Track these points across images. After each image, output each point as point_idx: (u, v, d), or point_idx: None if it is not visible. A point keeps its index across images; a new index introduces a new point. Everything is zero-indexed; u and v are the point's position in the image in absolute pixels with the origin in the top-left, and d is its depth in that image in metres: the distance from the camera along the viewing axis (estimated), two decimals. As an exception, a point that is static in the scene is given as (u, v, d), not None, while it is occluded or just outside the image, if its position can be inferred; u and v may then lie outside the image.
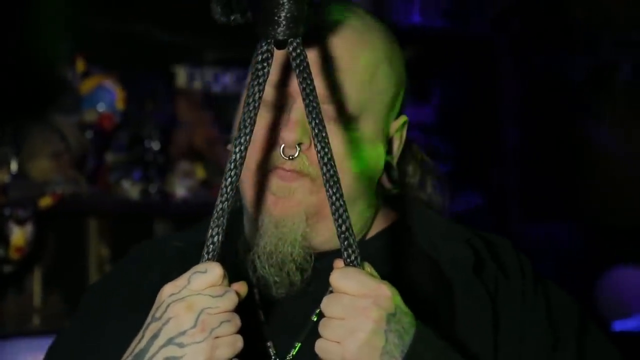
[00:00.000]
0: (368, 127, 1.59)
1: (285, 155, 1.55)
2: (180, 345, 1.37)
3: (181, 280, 1.40)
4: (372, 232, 1.67)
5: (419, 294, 1.55)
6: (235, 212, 1.64)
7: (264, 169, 1.57)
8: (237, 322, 1.40)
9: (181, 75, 3.99)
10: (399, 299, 1.41)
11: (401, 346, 1.40)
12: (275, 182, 1.56)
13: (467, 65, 4.83)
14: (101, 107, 3.54)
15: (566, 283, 1.73)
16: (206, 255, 1.41)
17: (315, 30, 1.56)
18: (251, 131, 1.41)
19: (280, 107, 1.57)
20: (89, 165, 3.47)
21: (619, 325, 4.29)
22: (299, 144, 1.54)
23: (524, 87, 4.98)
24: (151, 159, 3.67)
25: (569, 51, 5.00)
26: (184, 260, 1.54)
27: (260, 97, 1.42)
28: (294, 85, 1.50)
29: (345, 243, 1.41)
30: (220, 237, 1.41)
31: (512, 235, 4.66)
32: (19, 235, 3.17)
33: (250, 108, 1.41)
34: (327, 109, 1.55)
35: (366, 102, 1.58)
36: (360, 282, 1.39)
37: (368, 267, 1.43)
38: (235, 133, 1.44)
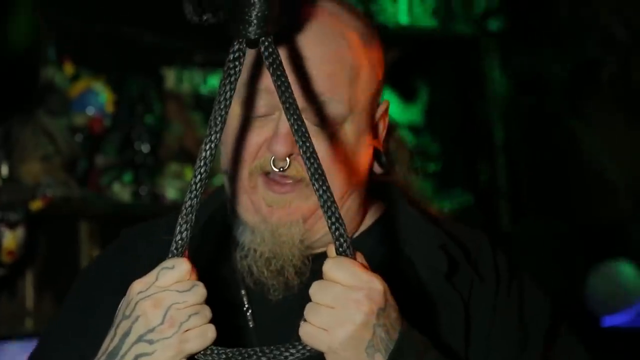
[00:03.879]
0: (354, 127, 1.61)
1: (276, 167, 1.57)
2: (150, 342, 1.40)
3: (149, 277, 1.42)
4: (364, 226, 1.69)
5: (400, 293, 1.55)
6: (222, 215, 1.67)
7: (255, 177, 1.59)
8: (206, 313, 1.41)
9: (170, 78, 4.00)
10: (389, 294, 1.43)
11: (387, 341, 1.42)
12: (269, 195, 1.59)
13: (454, 65, 4.85)
14: (90, 111, 3.53)
15: (555, 279, 1.75)
16: (174, 251, 1.43)
17: (292, 30, 1.58)
18: (221, 129, 1.42)
19: (270, 117, 1.58)
20: (79, 168, 3.47)
21: (608, 321, 4.31)
22: (289, 155, 1.57)
23: (511, 85, 5.00)
24: (141, 161, 3.68)
25: (553, 50, 5.02)
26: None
27: (231, 96, 1.43)
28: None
29: (337, 233, 1.42)
30: (188, 232, 1.42)
31: (501, 232, 4.70)
32: (10, 238, 3.16)
33: (221, 106, 1.42)
34: (310, 116, 1.57)
35: (349, 110, 1.60)
36: (354, 273, 1.41)
37: (360, 257, 1.44)
38: (206, 131, 1.44)
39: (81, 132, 3.50)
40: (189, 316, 1.40)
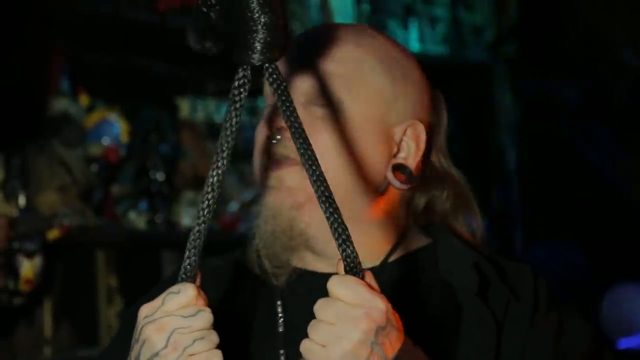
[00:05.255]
0: (357, 112, 1.63)
1: (270, 140, 1.62)
2: None
3: (156, 302, 1.43)
4: (395, 256, 1.69)
5: (428, 320, 1.58)
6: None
7: (263, 163, 1.64)
8: (212, 339, 1.42)
9: (184, 107, 4.03)
10: (392, 314, 1.43)
11: (385, 359, 1.41)
12: (269, 176, 1.63)
13: (466, 91, 4.87)
14: (106, 141, 3.57)
15: (570, 302, 1.75)
16: (183, 277, 1.43)
17: (305, 39, 1.64)
18: (228, 155, 1.43)
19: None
20: (95, 197, 3.49)
21: (624, 343, 4.30)
22: (281, 129, 1.61)
23: (522, 110, 5.02)
24: (157, 190, 3.70)
25: (565, 75, 5.04)
26: (218, 278, 1.61)
27: (237, 123, 1.44)
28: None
29: (344, 254, 1.43)
30: (196, 258, 1.42)
31: (515, 256, 4.70)
32: (28, 267, 3.19)
33: (228, 133, 1.43)
34: (313, 96, 1.62)
35: (348, 93, 1.63)
36: (356, 291, 1.41)
37: (369, 277, 1.44)
38: (213, 157, 1.46)
39: (97, 162, 3.53)
40: (194, 341, 1.41)
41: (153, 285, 1.74)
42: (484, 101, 4.98)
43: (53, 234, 3.26)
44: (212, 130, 4.02)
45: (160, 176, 3.72)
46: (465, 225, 1.76)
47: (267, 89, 1.67)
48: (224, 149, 1.43)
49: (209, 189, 1.43)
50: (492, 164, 4.94)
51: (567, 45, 5.03)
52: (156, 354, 1.41)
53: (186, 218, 3.76)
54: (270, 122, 1.64)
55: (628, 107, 4.98)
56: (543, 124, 5.04)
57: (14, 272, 3.16)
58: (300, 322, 1.49)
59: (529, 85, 5.06)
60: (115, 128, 3.60)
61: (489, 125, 4.98)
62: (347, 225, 1.43)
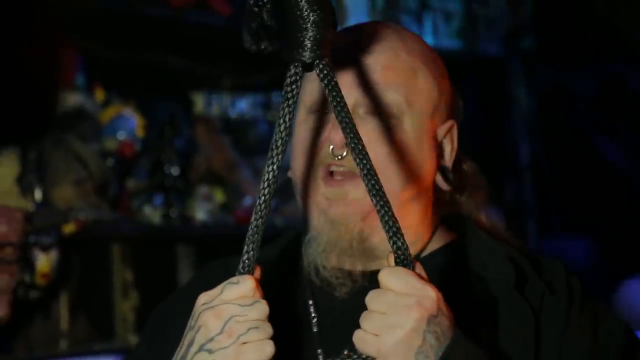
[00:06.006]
0: (414, 123, 1.64)
1: (334, 155, 1.61)
2: (210, 351, 1.43)
3: (215, 291, 1.46)
4: (428, 250, 1.71)
5: (465, 312, 1.58)
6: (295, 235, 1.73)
7: (316, 172, 1.64)
8: (266, 329, 1.44)
9: (199, 102, 4.05)
10: (442, 303, 1.45)
11: (437, 348, 1.43)
12: (328, 190, 1.63)
13: (480, 84, 4.87)
14: (121, 135, 3.59)
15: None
16: (241, 270, 1.47)
17: (352, 38, 1.65)
18: (283, 151, 1.45)
19: (325, 113, 1.64)
20: (111, 191, 3.51)
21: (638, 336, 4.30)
22: (346, 144, 1.58)
23: (536, 103, 5.02)
24: (171, 184, 3.72)
25: (579, 68, 5.03)
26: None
27: (290, 119, 1.46)
28: None
29: (395, 247, 1.46)
30: (255, 252, 1.46)
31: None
32: (44, 261, 3.21)
33: (282, 129, 1.46)
34: (371, 107, 1.62)
35: (406, 104, 1.64)
36: (407, 281, 1.43)
37: (419, 268, 1.47)
38: (268, 153, 1.47)
39: (112, 157, 3.55)
40: (248, 329, 1.43)
41: (168, 279, 1.76)
42: (499, 94, 4.98)
43: (69, 228, 3.28)
44: (227, 124, 4.03)
45: (175, 171, 3.74)
46: (486, 218, 1.78)
47: (311, 95, 1.66)
48: (279, 144, 1.45)
49: (265, 184, 1.46)
50: (507, 157, 4.94)
51: (581, 38, 5.02)
52: (211, 339, 1.43)
53: (200, 212, 3.77)
54: (322, 134, 1.64)
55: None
56: (557, 117, 5.04)
57: (30, 266, 3.18)
58: (334, 321, 1.54)
59: (544, 78, 5.05)
60: (131, 123, 3.62)
61: (503, 119, 4.98)
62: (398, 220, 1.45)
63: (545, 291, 1.65)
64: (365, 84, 1.62)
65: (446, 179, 1.70)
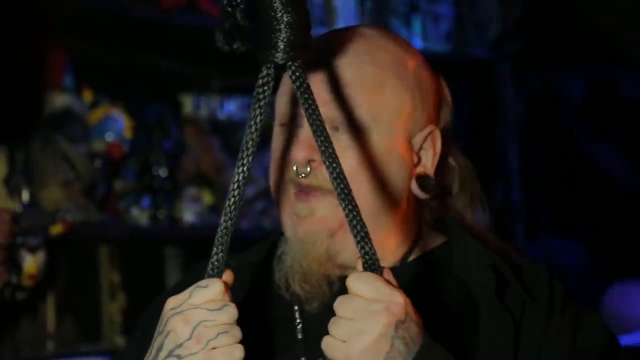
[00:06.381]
0: (381, 138, 1.63)
1: (298, 174, 1.61)
2: (179, 357, 1.43)
3: (183, 295, 1.46)
4: (413, 256, 1.70)
5: (447, 319, 1.60)
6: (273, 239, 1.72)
7: (287, 189, 1.63)
8: (235, 333, 1.44)
9: (187, 104, 4.04)
10: (411, 309, 1.45)
11: (405, 354, 1.43)
12: (297, 206, 1.62)
13: (469, 87, 4.88)
14: (109, 137, 3.58)
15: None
16: (210, 272, 1.46)
17: (323, 48, 1.63)
18: (253, 152, 1.46)
19: (294, 127, 1.63)
20: (98, 193, 3.50)
21: (624, 341, 4.30)
22: (310, 161, 1.60)
23: (525, 107, 5.02)
24: (159, 186, 3.71)
25: (568, 71, 5.04)
26: (240, 278, 1.60)
27: (261, 120, 1.46)
28: None
29: (362, 251, 1.45)
30: (224, 254, 1.46)
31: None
32: (31, 262, 3.20)
33: (252, 130, 1.46)
34: (337, 123, 1.61)
35: (372, 120, 1.62)
36: (374, 286, 1.43)
37: (387, 273, 1.47)
38: (239, 155, 1.48)
39: (100, 158, 3.54)
40: (217, 334, 1.43)
41: (156, 280, 1.76)
42: (488, 97, 4.98)
43: (56, 229, 3.27)
44: (215, 126, 4.03)
45: (163, 172, 3.73)
46: (475, 220, 1.77)
47: (281, 107, 1.65)
48: (249, 146, 1.45)
49: (235, 186, 1.46)
50: (495, 160, 4.94)
51: (569, 41, 5.03)
52: (180, 345, 1.43)
53: (188, 214, 3.77)
54: (291, 152, 1.63)
55: (632, 102, 4.98)
56: (546, 119, 5.05)
57: (17, 267, 3.17)
58: (319, 327, 1.51)
59: (533, 81, 5.06)
60: (119, 124, 3.61)
61: (492, 121, 4.99)
62: (370, 231, 1.45)
63: (527, 298, 1.64)
64: (331, 100, 1.61)
65: (423, 186, 1.68)
